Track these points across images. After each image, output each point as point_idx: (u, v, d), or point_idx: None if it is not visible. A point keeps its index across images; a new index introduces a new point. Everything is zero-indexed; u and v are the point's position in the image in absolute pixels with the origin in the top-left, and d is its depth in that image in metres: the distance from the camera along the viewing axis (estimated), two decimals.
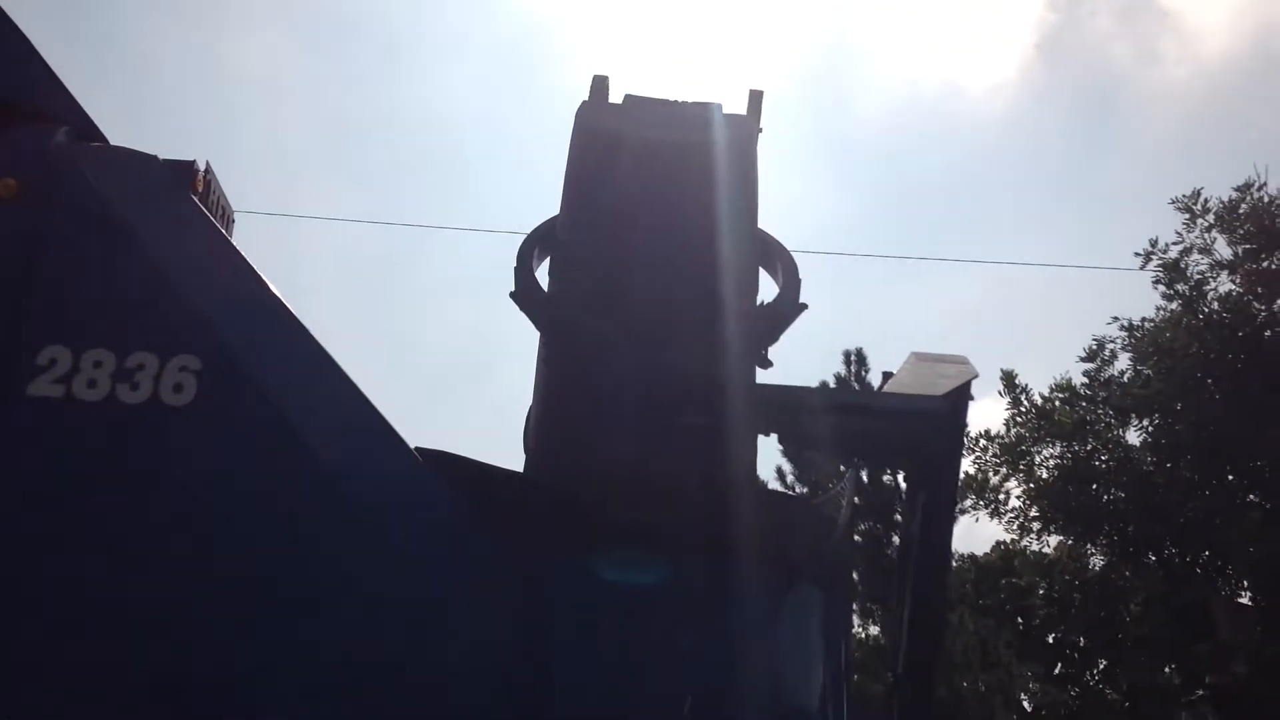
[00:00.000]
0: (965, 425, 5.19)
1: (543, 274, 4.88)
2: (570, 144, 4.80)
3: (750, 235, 4.76)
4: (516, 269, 4.79)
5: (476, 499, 4.12)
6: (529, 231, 4.99)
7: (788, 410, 4.85)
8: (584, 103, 4.89)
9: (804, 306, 4.81)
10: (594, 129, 4.80)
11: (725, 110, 4.93)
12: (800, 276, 4.89)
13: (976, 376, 5.07)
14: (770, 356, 4.79)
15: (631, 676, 3.98)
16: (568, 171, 4.78)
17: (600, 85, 4.96)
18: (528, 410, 4.80)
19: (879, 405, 5.54)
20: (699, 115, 4.88)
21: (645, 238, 4.64)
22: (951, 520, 5.47)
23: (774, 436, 5.06)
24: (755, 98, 4.96)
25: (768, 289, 4.91)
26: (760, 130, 4.94)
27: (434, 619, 3.94)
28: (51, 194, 4.30)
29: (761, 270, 4.94)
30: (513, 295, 4.74)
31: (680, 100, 4.99)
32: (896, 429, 5.08)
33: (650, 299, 4.54)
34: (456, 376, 61.43)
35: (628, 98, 4.96)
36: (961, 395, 4.92)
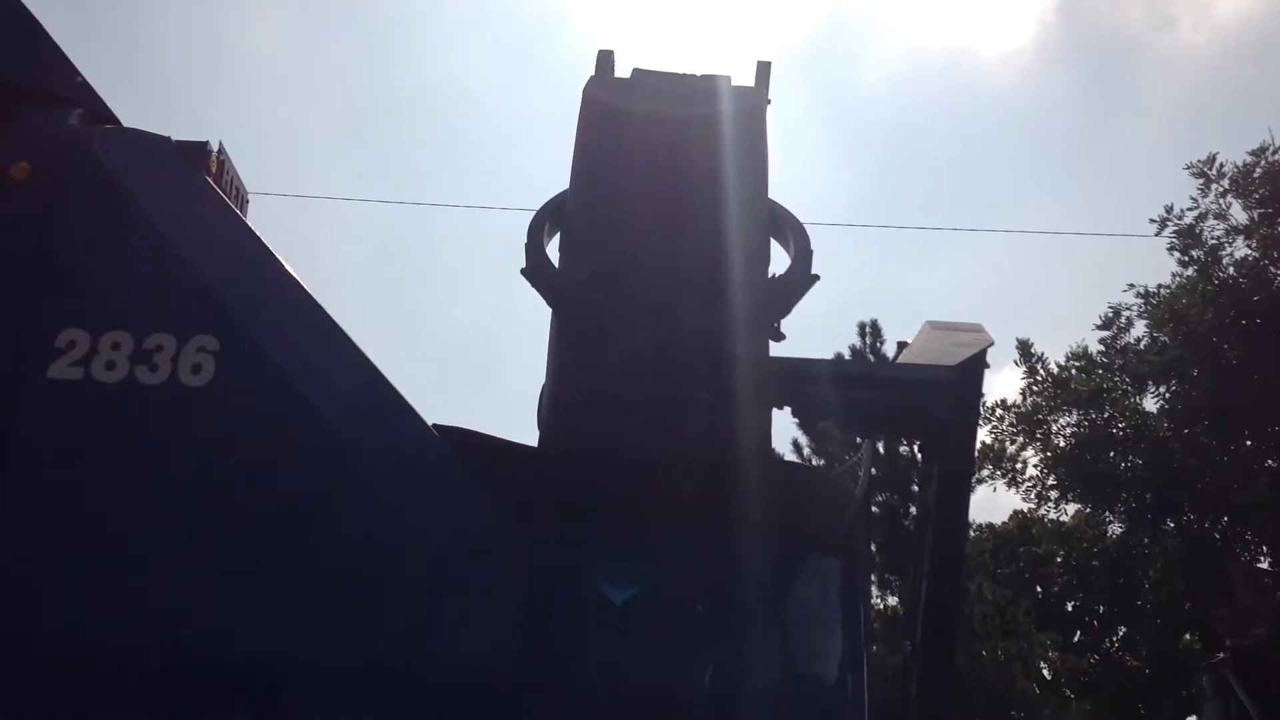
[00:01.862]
0: (980, 393, 5.17)
1: (554, 250, 4.87)
2: (578, 119, 4.79)
3: (761, 207, 4.76)
4: (527, 245, 4.78)
5: (492, 474, 4.13)
6: (539, 207, 4.98)
7: (800, 382, 4.85)
8: (591, 78, 4.89)
9: (816, 278, 4.79)
10: (601, 104, 4.80)
11: (733, 83, 4.92)
12: (812, 247, 4.88)
13: (992, 344, 5.05)
14: (783, 329, 4.79)
15: (645, 649, 3.99)
16: (576, 147, 4.78)
17: (606, 60, 4.95)
18: (541, 388, 4.80)
19: (892, 376, 5.52)
20: (707, 88, 4.87)
21: (655, 211, 4.64)
22: (968, 489, 5.45)
23: (788, 410, 5.04)
24: (763, 69, 4.95)
25: (780, 261, 4.90)
26: (769, 101, 4.93)
27: (449, 592, 3.97)
28: (65, 176, 4.31)
29: (774, 242, 4.93)
30: (524, 272, 4.74)
31: (687, 74, 4.99)
32: (910, 400, 5.07)
33: (660, 272, 4.54)
34: (473, 354, 61.53)
35: (635, 72, 4.96)
36: (976, 363, 4.90)
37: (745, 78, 4.97)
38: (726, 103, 4.80)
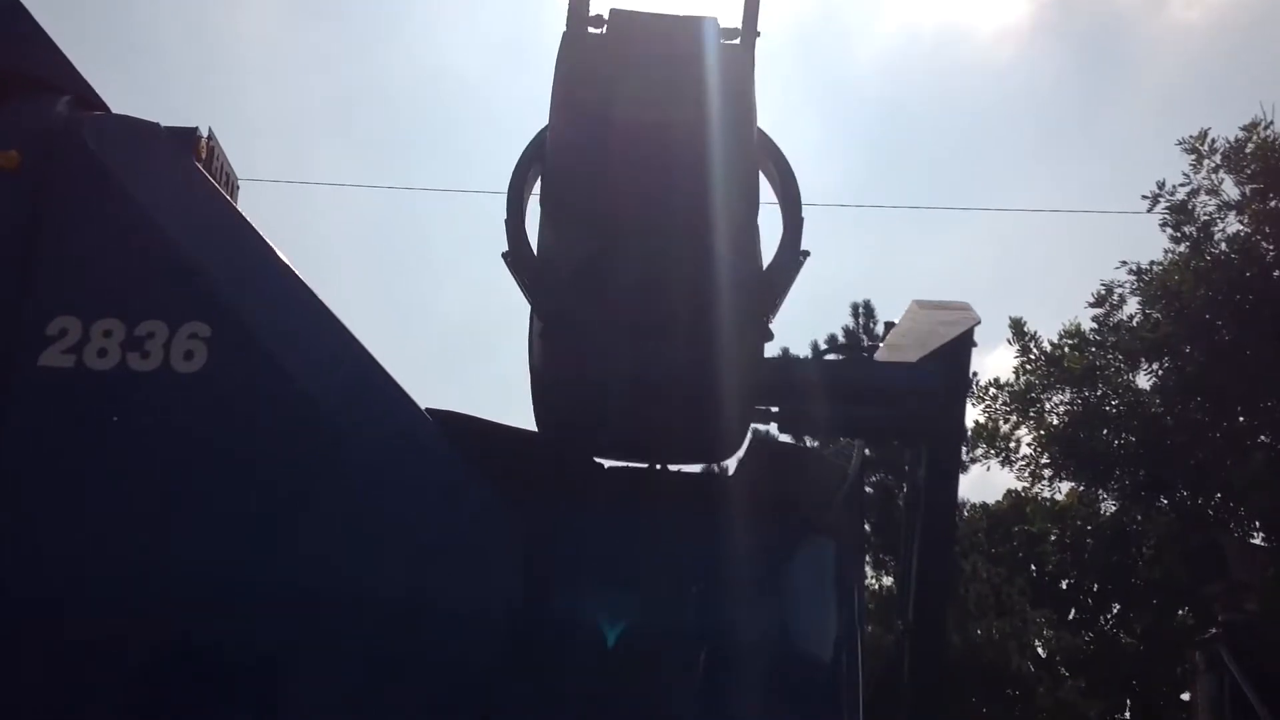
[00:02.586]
0: (967, 374, 5.19)
1: (535, 205, 4.67)
2: (555, 73, 4.58)
3: (749, 148, 4.56)
4: (507, 220, 4.60)
5: (485, 457, 4.14)
6: (513, 169, 4.73)
7: (788, 396, 4.81)
8: (565, 33, 4.63)
9: (806, 253, 4.65)
10: (579, 50, 4.58)
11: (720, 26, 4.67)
12: (801, 211, 4.68)
13: (978, 323, 5.06)
14: (780, 308, 4.72)
15: (638, 632, 4.01)
16: (553, 103, 4.56)
17: (581, 6, 4.63)
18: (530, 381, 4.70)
19: (879, 387, 5.35)
20: (689, 29, 4.64)
21: (641, 173, 4.45)
22: (957, 467, 5.46)
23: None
24: (751, 3, 4.75)
25: (770, 233, 4.77)
26: (758, 34, 4.66)
27: (442, 575, 3.98)
28: (54, 164, 4.30)
29: (763, 180, 4.73)
30: (505, 258, 4.60)
31: (669, 14, 4.72)
32: (899, 411, 5.06)
33: (650, 261, 4.37)
34: (466, 339, 61.47)
35: (613, 13, 4.66)
36: (963, 343, 4.91)
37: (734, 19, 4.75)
38: (710, 43, 4.58)
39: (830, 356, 11.57)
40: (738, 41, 4.65)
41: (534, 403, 4.62)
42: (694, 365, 4.30)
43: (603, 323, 4.31)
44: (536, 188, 4.68)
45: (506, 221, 4.62)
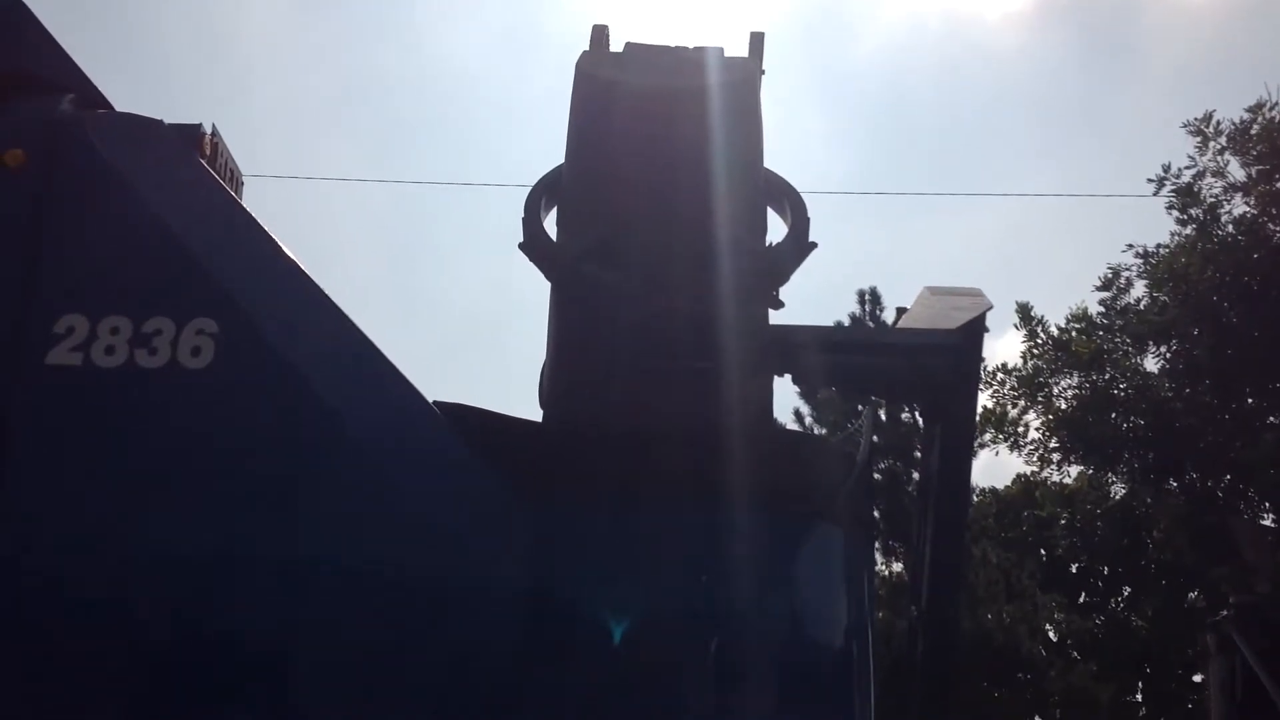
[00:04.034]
0: (980, 356, 5.18)
1: (551, 224, 4.87)
2: (572, 93, 4.79)
3: (757, 176, 4.75)
4: (524, 218, 4.77)
5: (492, 449, 4.15)
6: (534, 184, 4.97)
7: (800, 350, 4.85)
8: (584, 52, 4.88)
9: (814, 245, 4.79)
10: (595, 77, 4.79)
11: (726, 54, 4.91)
12: (809, 214, 4.87)
13: (990, 308, 5.06)
14: (783, 298, 4.79)
15: (648, 622, 4.01)
16: (570, 120, 4.77)
17: (600, 34, 4.95)
18: (542, 364, 4.81)
19: (891, 341, 5.53)
20: (699, 60, 4.86)
21: (650, 183, 4.63)
22: (970, 452, 5.46)
23: (788, 378, 5.05)
24: (756, 40, 4.95)
25: (777, 230, 4.90)
26: (762, 72, 4.93)
27: (451, 569, 3.99)
28: (59, 163, 4.30)
29: (771, 212, 4.93)
30: (521, 246, 4.74)
31: (680, 46, 4.98)
32: (911, 365, 5.08)
33: (656, 243, 4.54)
34: (474, 332, 61.47)
35: (628, 45, 4.95)
36: (976, 327, 4.91)
37: (739, 49, 4.96)
38: (719, 74, 4.79)
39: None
40: (744, 71, 4.88)
41: (542, 378, 4.72)
42: (702, 321, 4.38)
43: (612, 286, 4.44)
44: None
45: (524, 220, 4.79)
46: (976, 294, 5.25)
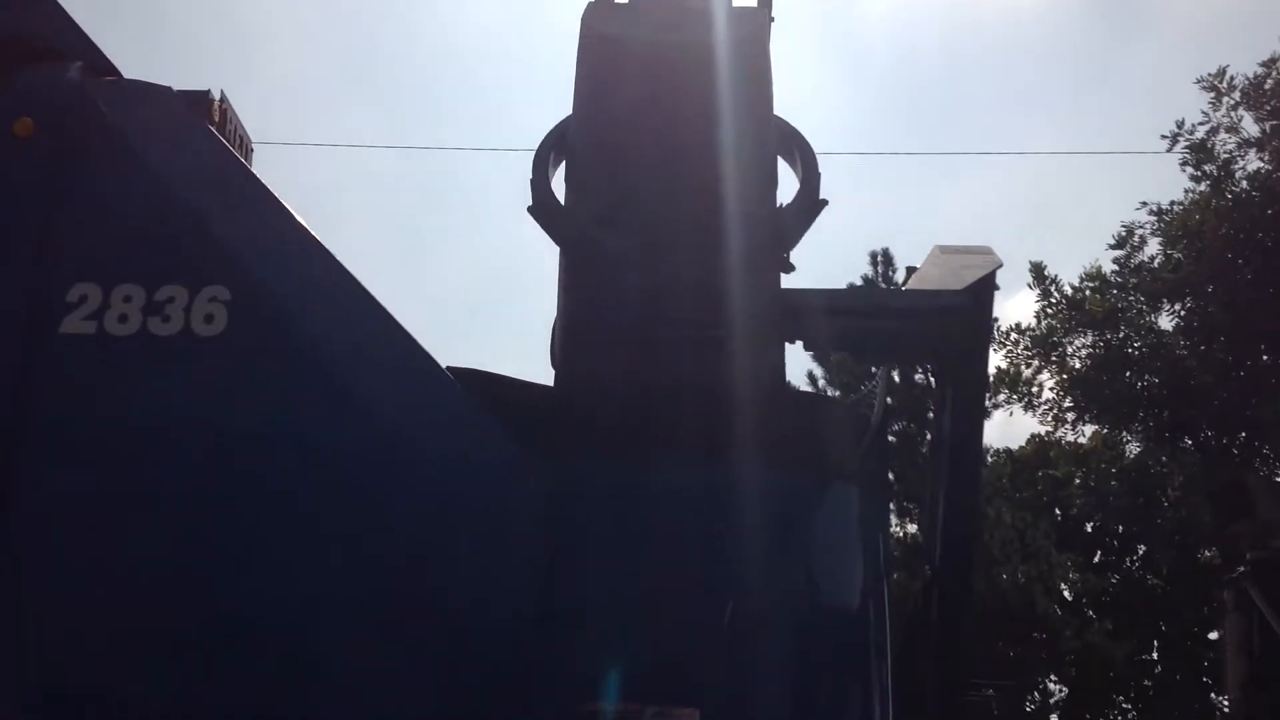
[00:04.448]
0: (991, 315, 5.16)
1: (560, 181, 4.83)
2: (578, 47, 4.72)
3: (767, 127, 4.70)
4: (533, 180, 4.73)
5: (505, 413, 4.15)
6: (543, 137, 4.94)
7: (812, 316, 4.82)
8: (590, 4, 4.82)
9: (824, 202, 4.74)
10: (601, 30, 4.72)
11: (735, 3, 4.85)
12: (819, 169, 4.82)
13: (1000, 266, 5.03)
14: (794, 260, 4.76)
15: (662, 582, 4.01)
16: (577, 76, 4.71)
17: None
18: (553, 324, 4.79)
19: (900, 305, 5.49)
20: (707, 10, 4.80)
21: (658, 138, 4.57)
22: (982, 411, 5.44)
23: (800, 344, 5.03)
24: None
25: (787, 184, 4.84)
26: (772, 19, 4.86)
27: (465, 533, 4.00)
28: (68, 131, 4.29)
29: (782, 161, 4.88)
30: (530, 210, 4.70)
31: None
32: (920, 327, 5.06)
33: (666, 206, 4.50)
34: (487, 299, 61.42)
35: None
36: (986, 285, 4.88)
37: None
38: (728, 27, 4.73)
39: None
40: (754, 22, 4.80)
41: (553, 344, 4.69)
42: (716, 282, 4.36)
43: (620, 252, 4.41)
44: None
45: (532, 181, 4.73)
46: (987, 252, 5.22)
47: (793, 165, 4.89)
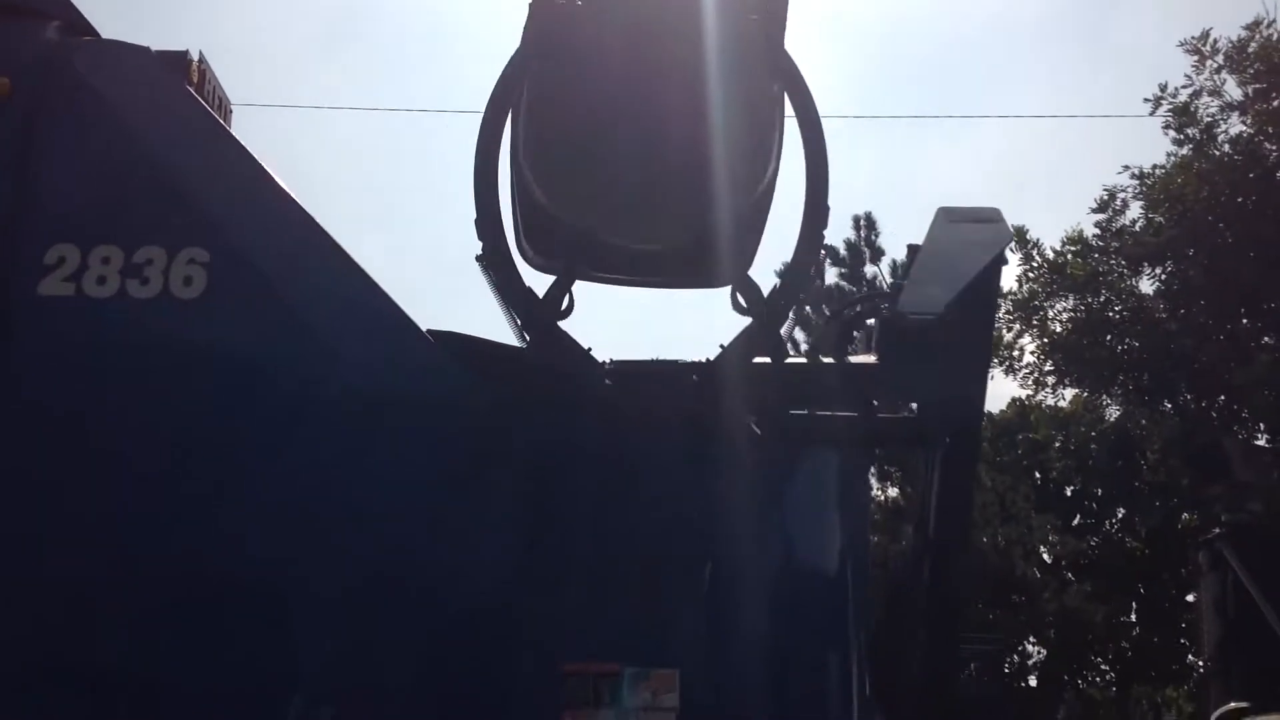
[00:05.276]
0: (996, 299, 5.00)
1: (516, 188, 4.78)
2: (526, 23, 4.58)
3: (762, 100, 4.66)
4: (479, 206, 4.68)
5: (486, 376, 4.15)
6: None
7: (810, 444, 4.61)
8: None
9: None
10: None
11: None
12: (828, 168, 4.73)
13: (1011, 240, 4.91)
14: (782, 219, 4.69)
15: (643, 545, 4.03)
16: (524, 53, 4.62)
17: None
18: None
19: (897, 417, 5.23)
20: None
21: (629, 112, 4.48)
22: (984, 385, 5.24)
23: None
24: None
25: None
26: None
27: (445, 492, 4.02)
28: (46, 91, 4.26)
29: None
30: (479, 260, 4.65)
31: None
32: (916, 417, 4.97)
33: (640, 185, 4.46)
34: (466, 262, 61.06)
35: None
36: (992, 268, 4.72)
37: None
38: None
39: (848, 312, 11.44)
40: None
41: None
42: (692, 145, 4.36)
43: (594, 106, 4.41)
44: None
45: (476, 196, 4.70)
46: (995, 218, 4.98)
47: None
